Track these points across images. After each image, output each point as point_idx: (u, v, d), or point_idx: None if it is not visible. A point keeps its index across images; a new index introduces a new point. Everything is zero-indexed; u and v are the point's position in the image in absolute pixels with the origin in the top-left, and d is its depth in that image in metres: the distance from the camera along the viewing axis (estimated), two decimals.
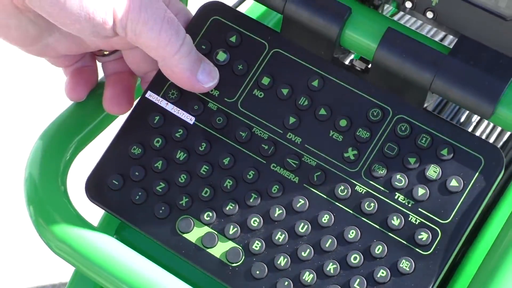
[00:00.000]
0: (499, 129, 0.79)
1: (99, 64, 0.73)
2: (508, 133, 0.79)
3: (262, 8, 0.80)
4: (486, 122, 0.80)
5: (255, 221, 0.63)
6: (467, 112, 0.80)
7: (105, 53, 0.72)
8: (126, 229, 0.72)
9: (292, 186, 0.64)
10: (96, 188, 0.67)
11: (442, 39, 0.83)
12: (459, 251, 0.70)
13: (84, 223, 0.66)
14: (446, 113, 0.79)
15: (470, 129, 0.79)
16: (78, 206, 0.68)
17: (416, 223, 0.62)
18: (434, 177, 0.62)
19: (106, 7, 0.60)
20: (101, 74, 0.74)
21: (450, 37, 0.83)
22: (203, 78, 0.65)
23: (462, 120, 0.79)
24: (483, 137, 0.80)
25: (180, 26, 0.63)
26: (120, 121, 0.71)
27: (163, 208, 0.65)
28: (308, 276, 0.62)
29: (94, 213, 0.75)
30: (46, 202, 0.67)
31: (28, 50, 0.68)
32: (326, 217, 0.63)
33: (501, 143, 0.78)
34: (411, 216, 0.62)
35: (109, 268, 0.64)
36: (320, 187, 0.63)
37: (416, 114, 0.64)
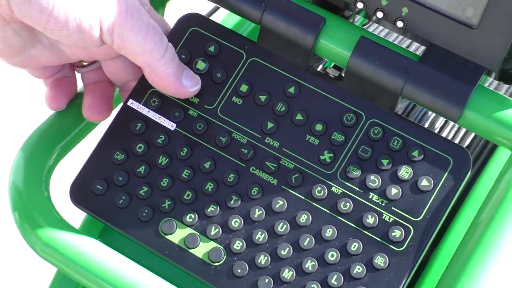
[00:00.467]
0: (462, 132, 0.83)
1: (78, 75, 0.76)
2: (471, 136, 0.82)
3: (236, 18, 0.83)
4: (450, 125, 0.83)
5: (236, 222, 0.66)
6: (433, 115, 0.83)
7: (84, 64, 0.75)
8: (110, 232, 0.73)
9: (271, 188, 0.67)
10: (80, 193, 0.69)
11: (407, 47, 0.87)
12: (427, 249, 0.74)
13: (67, 227, 0.68)
14: (413, 118, 0.83)
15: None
16: (60, 211, 0.70)
17: (390, 221, 0.65)
18: (406, 177, 0.65)
19: (92, 14, 0.63)
20: (80, 85, 0.76)
21: (415, 44, 0.87)
22: (188, 83, 0.67)
23: (427, 124, 0.83)
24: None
25: (163, 33, 0.66)
26: (101, 128, 0.73)
27: (146, 211, 0.67)
28: (287, 274, 0.64)
29: (75, 217, 0.77)
30: (31, 208, 0.69)
31: (10, 62, 0.70)
32: (304, 217, 0.66)
33: (465, 145, 0.82)
34: (385, 215, 0.65)
35: (94, 270, 0.65)
36: (298, 188, 0.66)
37: (388, 118, 0.67)
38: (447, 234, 0.72)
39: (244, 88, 0.69)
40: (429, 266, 0.71)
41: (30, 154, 0.71)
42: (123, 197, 0.68)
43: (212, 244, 0.66)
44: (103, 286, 0.65)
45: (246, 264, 0.65)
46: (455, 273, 0.63)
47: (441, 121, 0.83)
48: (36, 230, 0.67)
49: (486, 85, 0.84)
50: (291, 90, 0.69)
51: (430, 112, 0.83)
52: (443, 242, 0.72)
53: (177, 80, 0.67)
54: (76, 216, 0.76)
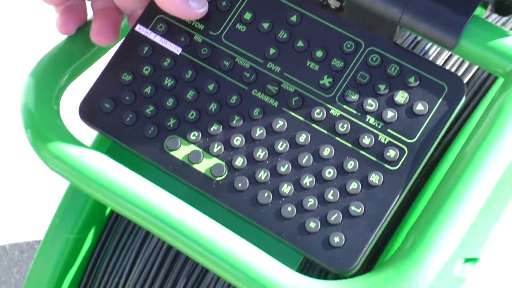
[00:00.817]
0: (461, 70, 0.85)
1: (88, 5, 0.78)
2: (470, 74, 0.85)
3: None
4: (450, 63, 0.86)
5: (237, 140, 0.69)
6: (434, 54, 0.86)
7: None
8: (116, 151, 0.76)
9: (272, 110, 0.70)
10: (89, 111, 0.72)
11: None
12: (420, 180, 0.77)
13: (77, 142, 0.70)
14: None
15: None
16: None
17: (385, 142, 0.68)
18: (402, 102, 0.68)
19: None
20: (90, 15, 0.78)
21: None
22: (195, 4, 0.70)
23: None
24: None
25: None
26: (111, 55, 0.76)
27: (152, 128, 0.70)
28: (286, 188, 0.67)
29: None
30: (42, 125, 0.71)
31: None
32: (303, 136, 0.69)
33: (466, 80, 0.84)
34: (380, 136, 0.68)
35: (101, 181, 0.68)
36: (298, 110, 0.69)
37: (386, 46, 0.70)
38: (441, 163, 0.75)
39: (248, 16, 0.72)
40: (422, 193, 0.74)
41: (41, 75, 0.74)
42: (130, 115, 0.71)
43: (215, 160, 0.69)
44: (109, 197, 0.68)
45: (247, 179, 0.68)
46: (440, 200, 0.66)
47: (441, 59, 0.86)
48: (47, 145, 0.70)
49: (493, 22, 0.87)
50: (293, 18, 0.72)
51: (431, 51, 0.86)
52: (437, 170, 0.75)
53: (185, 2, 0.70)
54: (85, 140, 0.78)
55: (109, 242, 0.87)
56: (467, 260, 1.12)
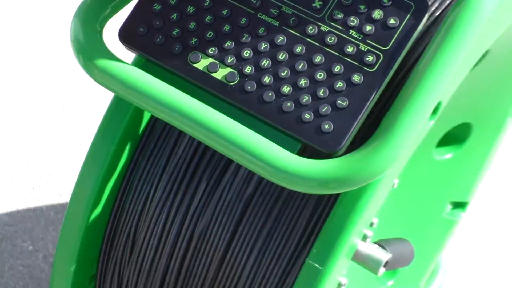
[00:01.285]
0: (435, 5, 1.01)
1: None
2: (444, 6, 1.00)
3: None
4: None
5: (246, 53, 0.86)
6: None
7: None
8: (149, 69, 0.92)
9: (274, 28, 0.87)
10: (127, 34, 0.89)
11: None
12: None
13: (118, 60, 0.88)
14: None
15: None
16: None
17: (365, 50, 0.85)
18: (378, 18, 0.85)
19: None
20: None
21: None
22: None
23: None
24: None
25: None
26: None
27: (178, 46, 0.87)
28: (286, 89, 0.85)
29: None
30: (90, 49, 0.88)
31: None
32: (299, 48, 0.86)
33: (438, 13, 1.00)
34: (361, 45, 0.85)
35: (141, 89, 0.86)
36: (295, 28, 0.87)
37: None
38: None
39: None
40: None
41: (85, 11, 0.91)
42: (160, 37, 0.88)
43: (228, 69, 0.86)
44: (146, 102, 0.85)
45: (254, 83, 0.85)
46: (408, 94, 0.82)
47: None
48: (95, 63, 0.87)
49: None
50: None
51: None
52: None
53: None
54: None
55: (142, 156, 1.04)
56: (456, 204, 1.28)
